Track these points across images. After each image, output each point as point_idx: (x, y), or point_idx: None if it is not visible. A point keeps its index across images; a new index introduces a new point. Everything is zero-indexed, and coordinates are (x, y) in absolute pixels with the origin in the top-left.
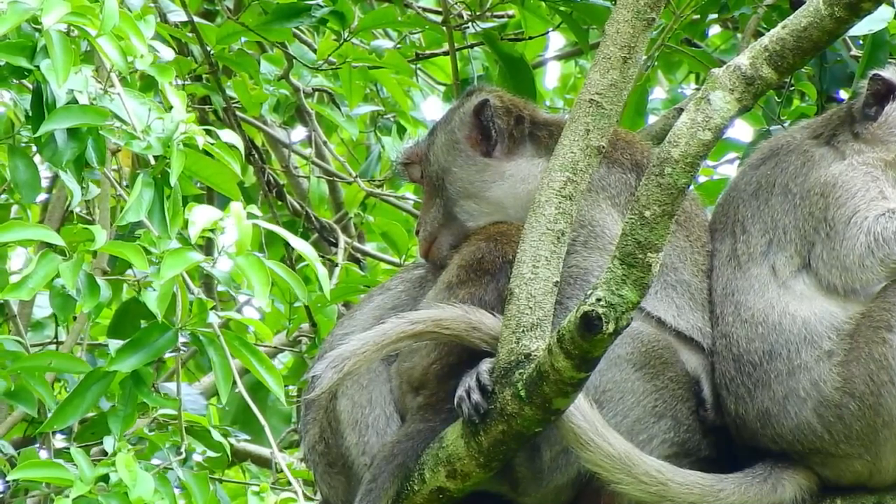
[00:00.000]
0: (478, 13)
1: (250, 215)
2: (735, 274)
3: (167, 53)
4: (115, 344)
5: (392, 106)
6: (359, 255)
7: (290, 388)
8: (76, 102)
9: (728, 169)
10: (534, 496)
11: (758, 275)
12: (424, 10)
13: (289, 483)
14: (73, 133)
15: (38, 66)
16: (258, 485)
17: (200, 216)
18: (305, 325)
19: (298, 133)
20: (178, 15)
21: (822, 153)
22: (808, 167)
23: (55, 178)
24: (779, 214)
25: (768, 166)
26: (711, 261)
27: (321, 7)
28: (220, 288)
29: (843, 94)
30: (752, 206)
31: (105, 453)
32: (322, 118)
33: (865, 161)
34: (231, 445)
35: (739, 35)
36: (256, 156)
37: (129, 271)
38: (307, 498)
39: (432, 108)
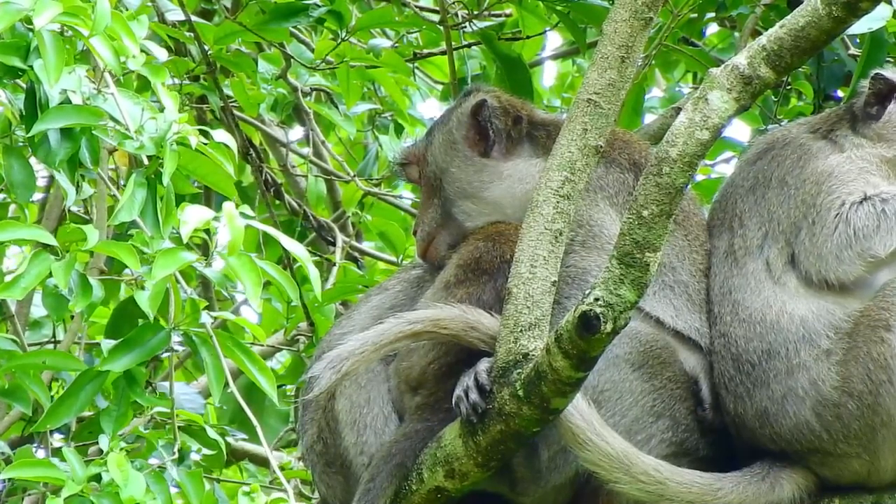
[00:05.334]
0: (475, 12)
1: (243, 215)
2: (732, 271)
3: (161, 54)
4: (107, 344)
5: (390, 105)
6: (357, 255)
7: (289, 387)
8: (70, 102)
9: (725, 168)
10: (532, 496)
11: (754, 271)
12: (422, 9)
13: (287, 481)
14: (66, 133)
15: (31, 66)
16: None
17: (192, 216)
18: (303, 325)
19: (296, 132)
20: (175, 14)
21: (819, 146)
22: (804, 160)
23: (52, 178)
24: (774, 206)
25: (765, 161)
26: (709, 259)
27: (319, 7)
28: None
29: (841, 94)
30: (750, 200)
31: (102, 452)
32: (320, 117)
33: (864, 155)
34: (228, 445)
35: (737, 34)
36: (254, 155)
37: (126, 271)
38: (304, 498)
39: (430, 108)
